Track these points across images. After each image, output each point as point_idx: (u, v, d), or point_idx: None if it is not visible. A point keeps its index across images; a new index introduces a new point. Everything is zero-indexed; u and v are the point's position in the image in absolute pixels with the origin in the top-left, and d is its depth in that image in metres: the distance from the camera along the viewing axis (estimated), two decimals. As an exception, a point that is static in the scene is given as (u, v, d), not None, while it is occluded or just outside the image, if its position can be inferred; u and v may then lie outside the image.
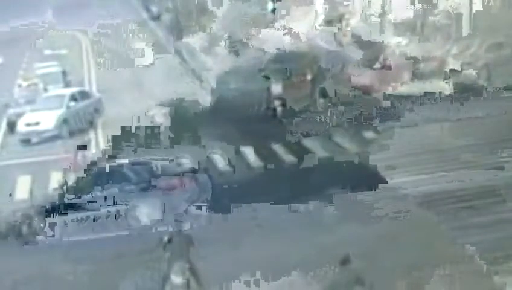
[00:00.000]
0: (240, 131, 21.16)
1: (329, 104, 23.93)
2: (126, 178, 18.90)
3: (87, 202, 18.29)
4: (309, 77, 24.38)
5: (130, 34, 24.52)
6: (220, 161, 20.78)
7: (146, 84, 27.35)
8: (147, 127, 23.59)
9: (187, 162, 19.87)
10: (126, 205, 18.05)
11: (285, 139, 22.12)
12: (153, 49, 24.80)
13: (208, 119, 22.71)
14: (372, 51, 24.12)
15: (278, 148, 21.27)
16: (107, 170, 19.55)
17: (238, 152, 21.20)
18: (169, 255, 14.05)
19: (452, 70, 21.52)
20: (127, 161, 20.14)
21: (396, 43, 21.56)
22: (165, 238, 14.27)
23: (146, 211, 17.83)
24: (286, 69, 24.90)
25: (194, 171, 19.21)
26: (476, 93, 22.70)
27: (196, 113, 23.44)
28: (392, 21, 21.83)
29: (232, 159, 20.88)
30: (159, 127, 23.40)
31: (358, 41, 25.36)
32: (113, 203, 18.22)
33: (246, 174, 20.12)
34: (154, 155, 20.75)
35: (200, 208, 17.95)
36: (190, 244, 14.22)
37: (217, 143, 21.12)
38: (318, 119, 23.25)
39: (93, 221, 17.95)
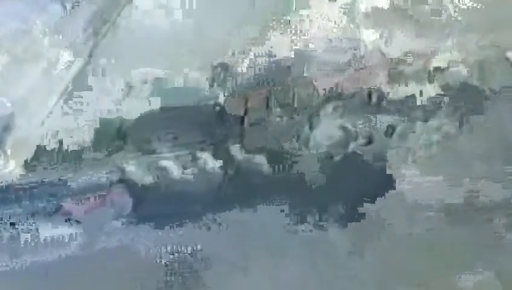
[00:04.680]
0: (196, 135, 17.11)
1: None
2: (32, 200, 16.40)
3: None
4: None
5: (41, 35, 20.39)
6: (174, 168, 16.76)
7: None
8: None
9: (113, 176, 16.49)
10: (29, 229, 15.22)
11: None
12: (70, 52, 20.65)
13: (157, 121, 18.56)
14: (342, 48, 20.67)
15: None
16: (13, 193, 16.93)
17: (194, 157, 17.30)
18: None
19: (438, 69, 18.15)
20: (37, 181, 17.31)
21: (368, 37, 17.97)
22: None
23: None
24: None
25: (120, 182, 15.83)
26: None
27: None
28: (363, 10, 18.17)
29: (187, 165, 17.12)
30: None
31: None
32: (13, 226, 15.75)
33: (204, 181, 16.58)
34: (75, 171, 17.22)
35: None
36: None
37: (168, 148, 17.06)
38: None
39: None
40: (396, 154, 15.34)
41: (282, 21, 18.70)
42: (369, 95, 16.30)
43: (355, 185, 14.55)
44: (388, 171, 14.91)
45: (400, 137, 15.65)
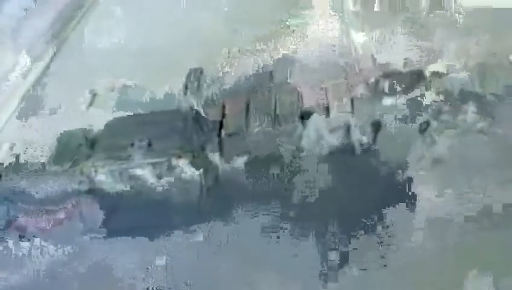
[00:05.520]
0: (172, 141, 15.36)
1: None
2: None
3: None
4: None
5: (-5, 40, 18.70)
6: (149, 177, 15.04)
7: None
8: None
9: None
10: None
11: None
12: (28, 57, 18.98)
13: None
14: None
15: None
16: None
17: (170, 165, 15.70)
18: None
19: (436, 74, 16.41)
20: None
21: (358, 40, 16.41)
22: None
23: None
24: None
25: (89, 193, 14.35)
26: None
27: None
28: (352, 8, 16.71)
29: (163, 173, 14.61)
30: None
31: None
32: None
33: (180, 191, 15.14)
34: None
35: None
36: None
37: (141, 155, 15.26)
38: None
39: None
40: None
41: (280, 27, 17.70)
42: (377, 84, 15.10)
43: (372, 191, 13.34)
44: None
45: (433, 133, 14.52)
